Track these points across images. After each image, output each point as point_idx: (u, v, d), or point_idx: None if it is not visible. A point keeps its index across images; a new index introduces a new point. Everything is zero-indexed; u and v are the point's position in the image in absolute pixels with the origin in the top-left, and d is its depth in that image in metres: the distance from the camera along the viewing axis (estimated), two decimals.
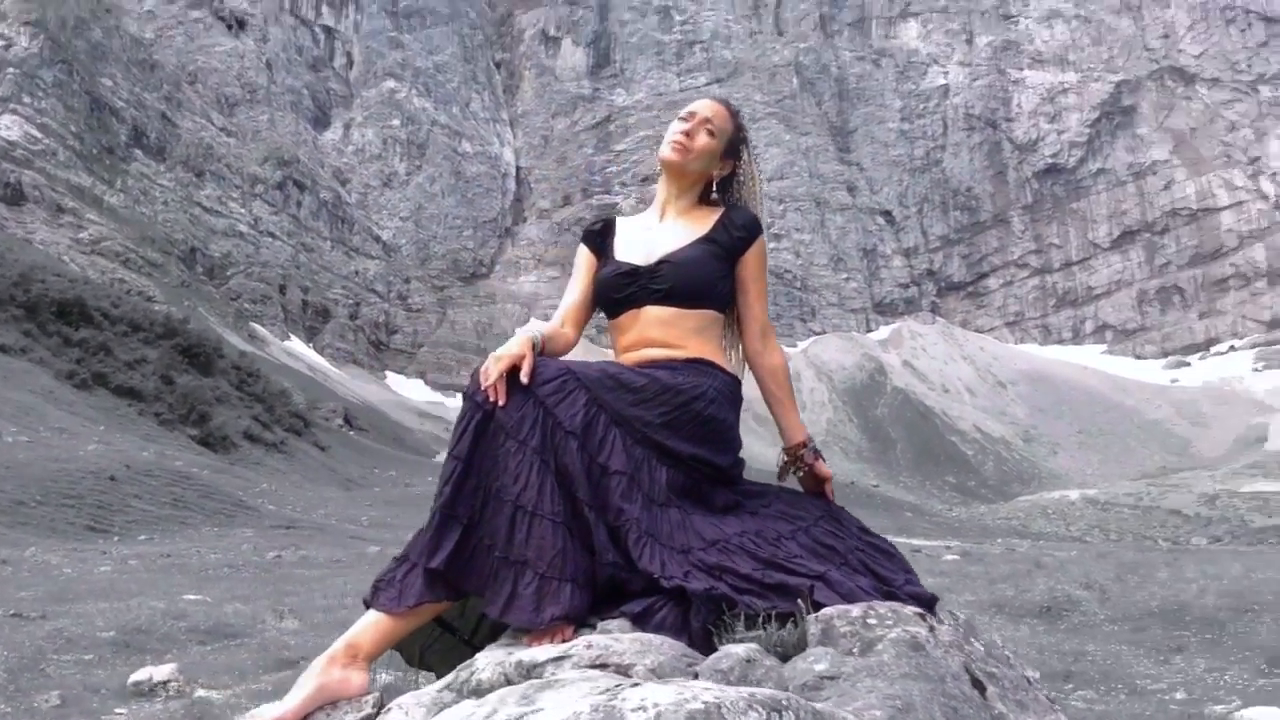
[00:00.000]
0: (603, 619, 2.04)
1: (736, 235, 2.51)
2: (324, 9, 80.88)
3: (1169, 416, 69.64)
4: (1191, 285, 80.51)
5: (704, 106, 2.63)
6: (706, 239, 2.50)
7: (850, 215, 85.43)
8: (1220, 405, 70.12)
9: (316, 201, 72.09)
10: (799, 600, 1.97)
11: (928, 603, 2.05)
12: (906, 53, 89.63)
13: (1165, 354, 78.42)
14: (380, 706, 2.01)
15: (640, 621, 2.01)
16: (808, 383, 73.24)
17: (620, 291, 2.48)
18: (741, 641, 1.84)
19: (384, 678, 3.02)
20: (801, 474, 2.51)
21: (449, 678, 1.96)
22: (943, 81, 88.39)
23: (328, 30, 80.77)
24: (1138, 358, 78.70)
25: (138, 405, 29.39)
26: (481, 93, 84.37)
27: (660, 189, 2.65)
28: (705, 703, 1.35)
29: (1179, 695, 6.22)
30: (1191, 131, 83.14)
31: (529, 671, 1.81)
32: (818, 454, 2.51)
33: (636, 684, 1.53)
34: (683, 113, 2.64)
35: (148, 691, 5.53)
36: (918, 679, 1.63)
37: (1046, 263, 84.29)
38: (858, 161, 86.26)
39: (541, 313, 78.56)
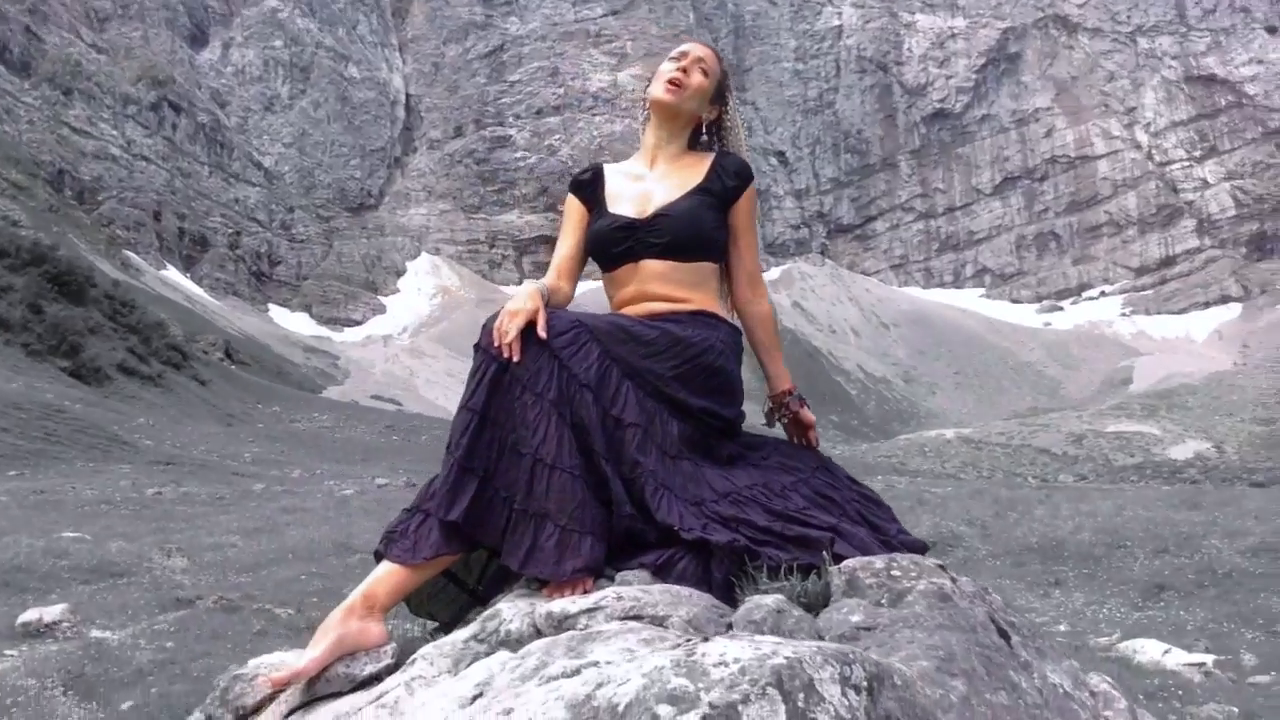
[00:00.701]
0: (619, 570, 2.04)
1: (730, 184, 2.50)
2: None
3: (1041, 359, 72.60)
4: (1067, 232, 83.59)
5: (695, 48, 2.63)
6: (700, 189, 2.48)
7: (746, 156, 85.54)
8: (1089, 348, 73.41)
9: (193, 124, 68.80)
10: (820, 552, 1.98)
11: (921, 550, 2.08)
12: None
13: (1040, 298, 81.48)
14: (398, 657, 2.01)
15: (661, 573, 2.01)
16: None
17: (617, 246, 2.46)
18: (766, 593, 1.85)
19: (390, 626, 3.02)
20: (786, 420, 2.53)
21: (474, 628, 1.95)
22: (837, 23, 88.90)
23: None
24: (1014, 301, 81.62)
25: (4, 335, 28.03)
26: (369, 15, 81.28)
27: (648, 135, 2.61)
28: (786, 657, 1.37)
29: (1062, 628, 6.54)
30: (1072, 80, 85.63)
31: (559, 623, 1.82)
32: (802, 400, 2.53)
33: (705, 639, 1.52)
34: (673, 53, 2.63)
35: (38, 633, 5.34)
36: (952, 629, 1.66)
37: (931, 207, 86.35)
38: (753, 100, 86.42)
39: (432, 245, 77.13)
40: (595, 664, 1.49)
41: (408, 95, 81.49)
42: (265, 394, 40.06)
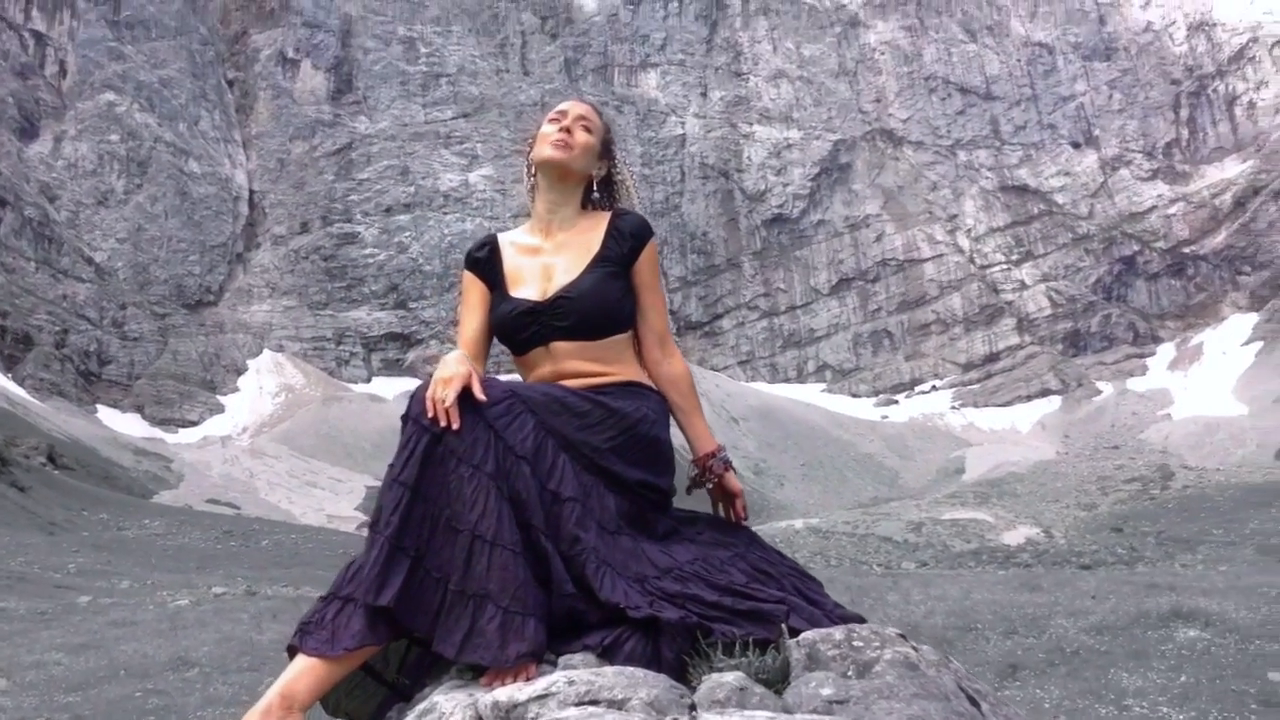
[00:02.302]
0: (561, 653, 1.91)
1: (627, 246, 2.42)
2: (34, 13, 74.20)
3: (880, 450, 75.19)
4: (899, 329, 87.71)
5: (573, 105, 2.52)
6: (599, 259, 2.39)
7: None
8: (924, 439, 76.58)
9: (20, 219, 65.47)
10: (775, 626, 1.90)
11: (818, 619, 2.00)
12: (647, 101, 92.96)
13: (877, 392, 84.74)
14: None
15: (607, 655, 1.89)
16: None
17: (523, 331, 2.37)
18: (722, 670, 1.75)
19: None
20: (710, 486, 2.41)
21: None
22: (680, 131, 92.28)
23: (38, 36, 74.08)
24: (853, 395, 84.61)
25: None
26: (212, 111, 79.82)
27: (538, 203, 2.50)
28: None
29: None
30: (899, 189, 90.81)
31: (507, 713, 1.68)
32: (728, 464, 2.41)
33: (693, 718, 1.41)
34: (551, 114, 2.53)
35: None
36: (928, 698, 1.59)
37: (774, 305, 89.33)
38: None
39: (275, 343, 74.92)
40: None
41: (251, 191, 79.93)
42: (91, 500, 37.74)
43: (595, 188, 2.54)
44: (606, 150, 2.55)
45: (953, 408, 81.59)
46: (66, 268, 67.32)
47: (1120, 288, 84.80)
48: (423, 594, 1.91)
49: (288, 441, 63.31)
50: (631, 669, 1.79)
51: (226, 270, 76.06)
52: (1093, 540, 42.65)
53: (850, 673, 1.71)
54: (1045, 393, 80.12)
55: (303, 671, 1.92)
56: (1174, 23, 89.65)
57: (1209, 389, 72.97)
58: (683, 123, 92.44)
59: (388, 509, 1.95)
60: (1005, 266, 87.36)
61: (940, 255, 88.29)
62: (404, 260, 79.70)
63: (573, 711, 1.61)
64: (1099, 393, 78.72)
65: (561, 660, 1.89)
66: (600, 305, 2.35)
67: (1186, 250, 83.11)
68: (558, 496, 2.04)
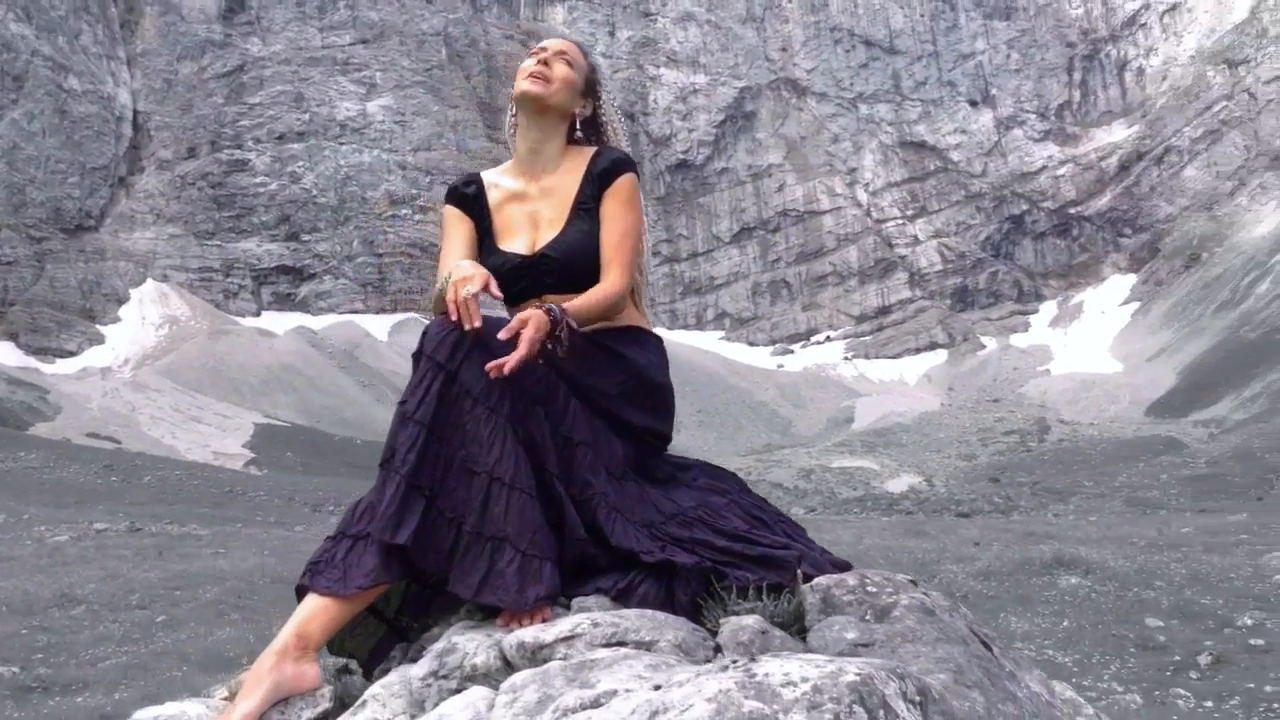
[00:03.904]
0: (573, 596, 1.94)
1: (599, 189, 2.38)
2: None
3: (774, 398, 76.66)
4: (797, 280, 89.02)
5: (554, 41, 2.51)
6: (577, 205, 2.36)
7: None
8: (817, 389, 78.29)
9: None
10: (787, 571, 1.93)
11: (847, 569, 2.02)
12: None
13: (773, 341, 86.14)
14: (336, 700, 1.85)
15: (621, 598, 1.92)
16: None
17: (514, 285, 2.32)
18: (737, 614, 1.78)
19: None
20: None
21: (428, 664, 1.79)
22: None
23: None
24: (750, 344, 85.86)
25: None
26: (94, 25, 75.44)
27: (520, 141, 2.47)
28: (858, 674, 1.29)
29: None
30: (801, 140, 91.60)
31: (533, 654, 1.69)
32: (552, 315, 2.13)
33: (751, 658, 1.43)
34: (532, 49, 2.50)
35: None
36: (950, 642, 1.61)
37: (676, 252, 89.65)
38: (505, 140, 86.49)
39: (159, 272, 72.08)
40: (616, 692, 1.40)
41: (136, 112, 76.14)
42: None
43: (579, 127, 2.50)
44: (591, 89, 2.52)
45: (845, 358, 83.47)
46: None
47: (1008, 246, 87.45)
48: (436, 534, 1.90)
49: (172, 375, 61.29)
50: (651, 612, 1.82)
51: (108, 194, 72.50)
52: (971, 489, 44.38)
53: (869, 617, 1.73)
54: (933, 346, 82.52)
55: (316, 611, 1.90)
56: None
57: (1087, 347, 76.19)
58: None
59: (403, 447, 1.92)
60: (900, 221, 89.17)
61: (839, 208, 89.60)
62: (297, 191, 77.22)
63: (604, 652, 1.62)
64: (983, 347, 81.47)
65: (574, 603, 1.92)
66: (583, 258, 2.33)
67: (1072, 211, 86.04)
68: (569, 441, 2.03)
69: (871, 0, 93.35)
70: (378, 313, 76.00)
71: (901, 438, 63.04)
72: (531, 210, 2.39)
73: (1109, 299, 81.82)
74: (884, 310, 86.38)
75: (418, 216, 79.32)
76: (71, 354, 62.38)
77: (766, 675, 1.30)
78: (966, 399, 73.00)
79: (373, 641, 2.13)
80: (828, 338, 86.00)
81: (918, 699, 1.33)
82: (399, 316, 75.42)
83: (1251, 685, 6.96)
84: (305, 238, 76.71)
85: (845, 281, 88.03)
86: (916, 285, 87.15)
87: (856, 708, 1.23)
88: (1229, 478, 35.05)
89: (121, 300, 68.70)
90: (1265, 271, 69.87)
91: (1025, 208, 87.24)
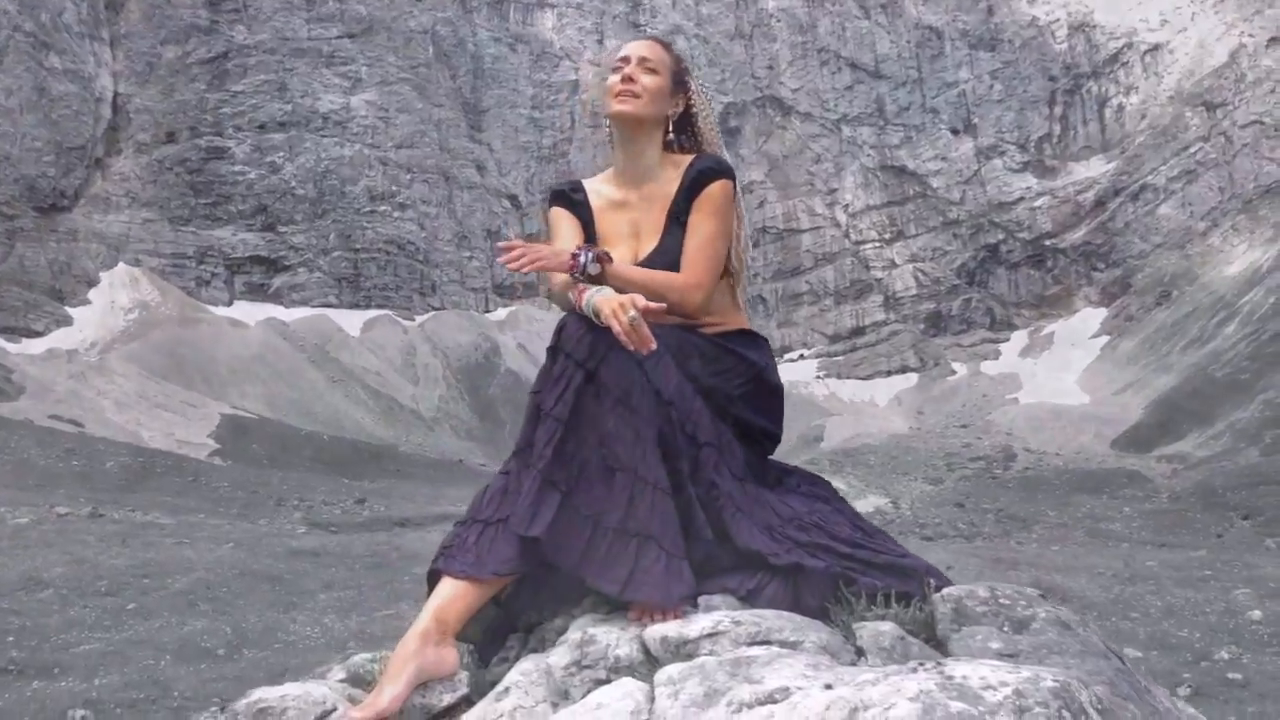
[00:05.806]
0: (700, 595, 1.94)
1: (690, 196, 2.35)
2: None
3: None
4: (774, 297, 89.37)
5: (633, 47, 2.48)
6: (673, 216, 2.36)
7: (477, 194, 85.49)
8: (790, 407, 77.47)
9: None
10: (914, 581, 1.94)
11: (940, 575, 2.06)
12: (542, 42, 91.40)
13: None
14: (472, 687, 1.87)
15: (749, 599, 1.93)
16: (422, 358, 72.83)
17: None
18: (868, 620, 1.79)
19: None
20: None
21: (569, 653, 1.81)
22: (573, 77, 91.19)
23: None
24: None
25: None
26: (79, 4, 74.62)
27: (618, 153, 2.45)
28: (1057, 680, 1.29)
29: None
30: (784, 158, 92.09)
31: (677, 648, 1.72)
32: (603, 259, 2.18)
33: (938, 663, 1.42)
34: (614, 61, 2.48)
35: None
36: (1094, 655, 1.62)
37: None
38: (488, 142, 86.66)
39: (131, 256, 71.24)
40: (789, 689, 1.39)
41: (116, 94, 75.31)
42: None
43: (671, 129, 2.45)
44: (680, 84, 2.47)
45: (817, 377, 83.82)
46: None
47: (982, 274, 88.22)
48: (570, 529, 1.90)
49: (139, 361, 60.53)
50: (789, 614, 1.84)
51: (84, 175, 71.56)
52: (936, 514, 44.55)
53: (1007, 628, 1.73)
54: (904, 369, 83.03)
55: (455, 595, 1.93)
56: (1057, 20, 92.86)
57: (1056, 377, 76.87)
58: (576, 68, 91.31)
59: (541, 442, 1.95)
60: (878, 244, 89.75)
61: (818, 228, 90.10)
62: (275, 181, 76.62)
63: (758, 650, 1.63)
64: (954, 373, 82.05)
65: (701, 601, 1.93)
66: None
67: (1047, 243, 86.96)
68: (695, 441, 2.04)
69: (859, 24, 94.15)
70: (351, 308, 75.50)
71: (869, 459, 63.24)
72: (632, 219, 2.42)
73: (1079, 331, 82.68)
74: (858, 331, 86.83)
75: (396, 214, 78.99)
76: (38, 334, 61.46)
77: (964, 678, 1.30)
78: (935, 423, 73.41)
79: (480, 628, 2.15)
80: (801, 355, 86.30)
81: (1100, 707, 1.34)
82: (372, 313, 74.99)
83: (1233, 719, 7.02)
84: (281, 229, 76.08)
85: (821, 300, 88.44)
86: (891, 308, 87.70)
87: (1064, 713, 1.23)
88: (1190, 514, 35.43)
89: (92, 283, 67.79)
90: (1234, 312, 70.80)
91: (1001, 237, 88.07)
